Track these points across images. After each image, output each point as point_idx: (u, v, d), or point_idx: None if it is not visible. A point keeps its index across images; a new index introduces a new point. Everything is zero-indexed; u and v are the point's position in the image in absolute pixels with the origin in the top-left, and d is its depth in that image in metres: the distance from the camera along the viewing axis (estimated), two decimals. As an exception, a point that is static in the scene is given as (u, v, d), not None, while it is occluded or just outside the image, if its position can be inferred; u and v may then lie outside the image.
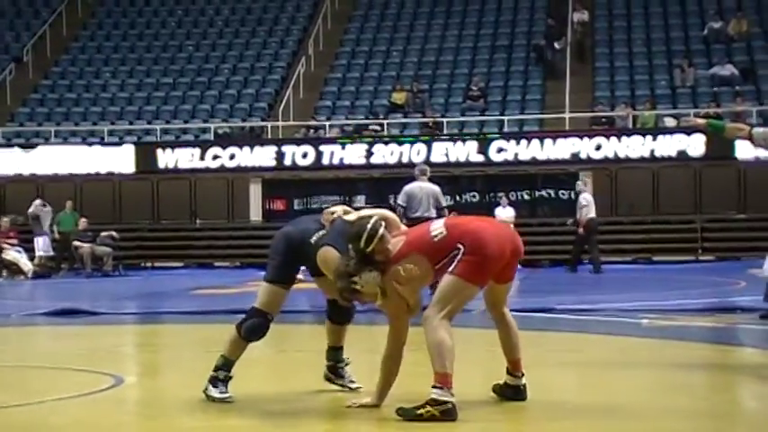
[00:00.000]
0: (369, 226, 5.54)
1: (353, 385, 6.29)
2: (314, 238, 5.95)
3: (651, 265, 20.74)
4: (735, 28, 26.24)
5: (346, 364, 6.36)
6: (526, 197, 23.48)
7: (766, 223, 20.28)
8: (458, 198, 24.09)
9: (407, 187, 14.49)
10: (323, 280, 6.01)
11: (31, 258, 21.33)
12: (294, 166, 23.92)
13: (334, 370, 6.33)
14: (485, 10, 28.98)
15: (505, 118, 24.62)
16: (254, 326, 6.00)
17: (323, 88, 26.94)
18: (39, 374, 7.63)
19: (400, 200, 14.50)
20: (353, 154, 23.73)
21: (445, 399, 5.25)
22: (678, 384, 6.46)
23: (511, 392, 5.79)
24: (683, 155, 22.44)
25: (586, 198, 19.47)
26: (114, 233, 22.04)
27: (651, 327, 9.51)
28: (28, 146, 24.54)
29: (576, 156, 22.88)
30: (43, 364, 8.09)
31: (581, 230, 19.27)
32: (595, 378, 6.96)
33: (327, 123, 25.29)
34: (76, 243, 21.55)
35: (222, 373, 6.00)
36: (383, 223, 5.60)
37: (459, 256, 5.42)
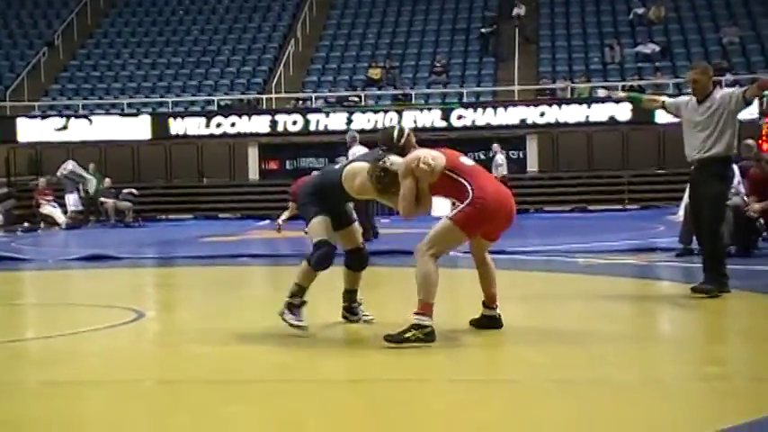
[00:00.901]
0: (398, 126, 5.63)
1: (367, 318, 6.17)
2: (337, 167, 5.87)
3: (586, 213, 20.83)
4: (654, 13, 26.17)
5: (360, 304, 6.22)
6: (482, 157, 23.39)
7: (681, 177, 20.24)
8: (424, 158, 24.08)
9: (353, 150, 13.85)
10: (344, 233, 5.91)
11: (65, 212, 21.20)
12: (286, 132, 23.81)
13: (350, 309, 6.19)
14: (446, -2, 28.84)
15: (464, 90, 24.54)
16: (321, 255, 5.75)
17: (310, 66, 26.74)
18: (72, 310, 7.61)
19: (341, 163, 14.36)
20: (336, 121, 23.61)
21: (426, 323, 5.22)
22: (607, 313, 6.52)
23: (487, 321, 5.73)
24: (612, 120, 22.47)
25: (501, 158, 19.95)
26: (134, 190, 21.93)
27: (585, 265, 9.55)
28: (62, 128, 24.13)
29: (523, 122, 22.87)
30: (76, 302, 8.08)
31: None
32: (539, 308, 7.00)
33: (314, 95, 25.14)
34: (102, 199, 21.44)
35: (297, 299, 5.81)
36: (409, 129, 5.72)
37: (462, 206, 5.33)
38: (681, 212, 10.88)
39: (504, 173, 19.97)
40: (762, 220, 10.13)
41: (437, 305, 5.33)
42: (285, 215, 17.19)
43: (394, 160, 5.44)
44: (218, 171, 24.04)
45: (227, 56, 27.59)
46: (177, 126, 24.07)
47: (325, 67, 26.68)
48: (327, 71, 26.51)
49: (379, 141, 5.67)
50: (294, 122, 23.74)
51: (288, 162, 24.14)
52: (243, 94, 25.95)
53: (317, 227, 5.78)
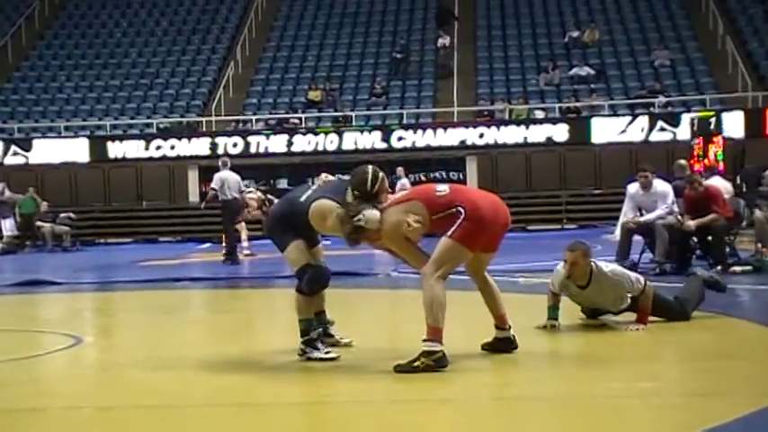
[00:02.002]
0: (371, 169, 5.32)
1: (344, 341, 5.98)
2: (302, 197, 5.59)
3: (525, 233, 21.05)
4: (589, 36, 26.67)
5: (332, 324, 6.04)
6: (423, 178, 23.58)
7: (617, 196, 20.62)
8: (365, 179, 24.13)
9: (220, 174, 14.83)
10: (312, 252, 5.71)
11: (0, 238, 20.78)
12: (226, 155, 23.55)
13: (325, 332, 5.93)
14: (385, 21, 29.03)
15: (404, 111, 24.69)
16: (311, 277, 5.55)
17: (249, 88, 26.67)
18: (8, 337, 7.46)
19: (214, 184, 14.81)
20: (276, 144, 23.58)
21: (436, 349, 5.05)
22: (546, 331, 6.57)
23: (502, 344, 5.53)
24: (550, 141, 22.79)
25: (406, 182, 20.18)
26: (72, 214, 21.58)
27: (526, 284, 9.65)
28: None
29: (463, 143, 23.07)
30: (12, 328, 7.91)
31: None
32: (480, 329, 7.04)
33: (254, 118, 25.07)
34: (39, 223, 21.07)
35: (314, 332, 5.55)
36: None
37: (458, 221, 5.16)
38: (618, 231, 11.06)
39: None
40: (696, 239, 10.34)
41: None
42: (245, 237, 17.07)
43: (370, 217, 5.18)
44: (158, 194, 23.79)
45: (165, 78, 27.40)
46: (116, 149, 23.80)
47: (266, 89, 26.64)
48: (267, 93, 26.48)
49: (352, 186, 5.36)
50: (234, 145, 23.63)
51: (228, 184, 23.95)
52: (182, 116, 25.77)
53: (295, 254, 5.59)
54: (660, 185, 10.43)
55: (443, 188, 5.36)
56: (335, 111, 25.17)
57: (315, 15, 29.63)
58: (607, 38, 26.76)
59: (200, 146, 23.72)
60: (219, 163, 15.34)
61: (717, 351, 5.73)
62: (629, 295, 6.36)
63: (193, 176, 23.90)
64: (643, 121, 22.39)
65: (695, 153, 18.46)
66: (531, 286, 9.48)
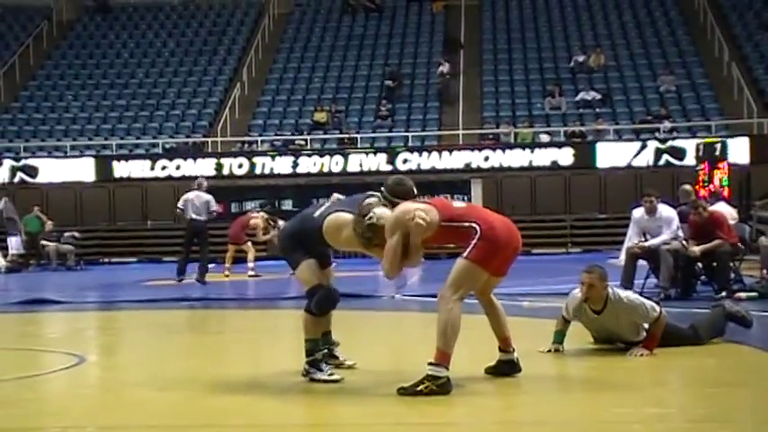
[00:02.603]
0: (408, 180, 5.61)
1: (348, 363, 5.95)
2: (315, 214, 5.58)
3: (530, 257, 21.02)
4: (595, 61, 26.75)
5: (337, 345, 6.00)
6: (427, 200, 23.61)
7: (622, 221, 20.63)
8: (370, 202, 24.15)
9: (186, 195, 15.07)
10: (323, 273, 5.62)
11: (5, 256, 20.80)
12: (231, 176, 23.74)
13: (330, 353, 5.90)
14: (391, 44, 29.16)
15: (410, 134, 24.76)
16: (321, 298, 5.51)
17: (255, 109, 26.77)
18: (13, 355, 7.47)
19: (180, 204, 14.94)
20: (282, 165, 23.64)
21: (441, 374, 5.01)
22: (551, 355, 6.57)
23: (506, 367, 5.52)
24: (555, 165, 22.81)
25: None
26: (76, 233, 21.61)
27: (530, 308, 9.64)
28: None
29: (468, 165, 23.10)
30: (16, 347, 7.92)
31: None
32: (485, 352, 7.03)
33: (259, 139, 25.16)
34: (44, 242, 21.10)
35: (319, 353, 5.52)
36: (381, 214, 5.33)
37: (473, 242, 5.14)
38: (622, 256, 11.06)
39: None
40: (701, 264, 10.34)
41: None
42: (229, 259, 17.22)
43: (380, 214, 5.21)
44: (163, 214, 23.80)
45: (172, 98, 27.51)
46: (121, 169, 23.87)
47: (271, 110, 26.74)
48: (273, 114, 26.57)
49: (398, 194, 5.41)
50: (240, 165, 23.70)
51: (233, 205, 24.01)
52: (188, 136, 25.86)
53: (307, 274, 5.54)
54: (665, 211, 10.44)
55: (460, 203, 5.46)
56: (341, 132, 25.25)
57: (321, 38, 29.80)
58: (613, 63, 26.85)
59: (205, 166, 23.77)
60: (195, 184, 15.43)
61: (721, 377, 5.72)
62: (645, 325, 6.29)
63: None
64: (649, 151, 22.36)
65: (700, 179, 18.45)
66: (534, 310, 9.47)
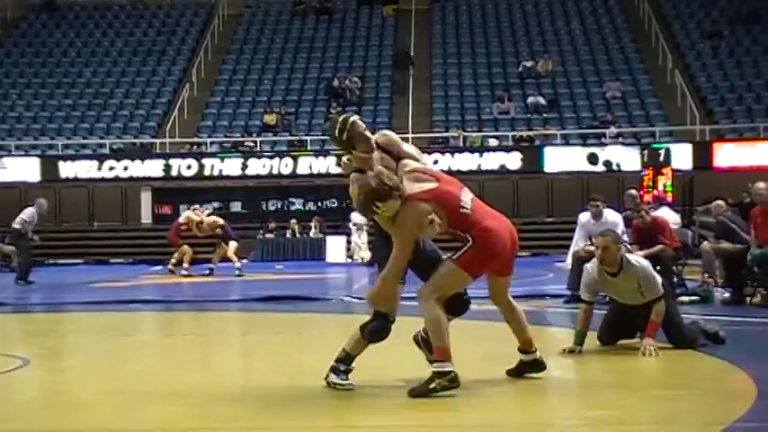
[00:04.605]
0: (339, 118, 5.26)
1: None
2: None
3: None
4: (543, 66, 27.03)
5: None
6: (376, 203, 23.64)
7: (569, 225, 20.83)
8: (319, 204, 24.17)
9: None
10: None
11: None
12: (180, 177, 23.56)
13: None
14: (341, 46, 29.15)
15: (359, 137, 24.72)
16: (376, 329, 5.32)
17: (204, 110, 26.58)
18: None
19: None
20: (231, 167, 23.51)
21: (447, 369, 5.01)
22: (500, 358, 6.60)
23: (529, 367, 5.47)
24: (503, 169, 22.99)
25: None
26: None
27: (478, 311, 9.67)
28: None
29: (417, 169, 23.14)
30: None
31: None
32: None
33: (209, 140, 24.99)
34: (-13, 243, 20.73)
35: (343, 365, 5.34)
36: (356, 117, 5.29)
37: (465, 248, 5.10)
38: (569, 260, 11.16)
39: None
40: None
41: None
42: (174, 260, 17.07)
43: (390, 207, 5.00)
44: (110, 215, 23.55)
45: (120, 98, 27.20)
46: (67, 169, 23.55)
47: (221, 111, 26.58)
48: (222, 116, 26.41)
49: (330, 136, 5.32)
50: (188, 167, 23.52)
51: (181, 207, 23.80)
52: (136, 137, 25.59)
53: (388, 293, 5.25)
54: (611, 215, 10.58)
55: (468, 203, 5.18)
56: (291, 135, 25.17)
57: (271, 39, 29.70)
58: (560, 68, 27.15)
59: (153, 167, 23.55)
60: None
61: (665, 380, 5.80)
62: (649, 298, 6.49)
63: (146, 198, 23.71)
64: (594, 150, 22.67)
65: (645, 184, 18.75)
66: (483, 312, 9.52)
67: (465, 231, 5.13)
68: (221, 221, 17.34)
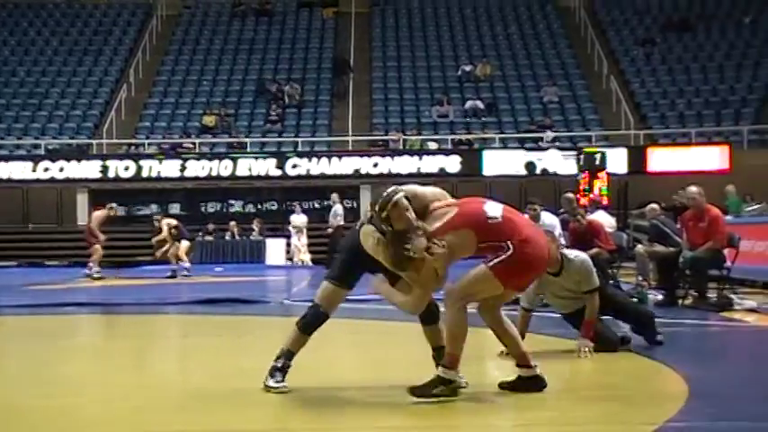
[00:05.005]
0: (385, 194, 4.92)
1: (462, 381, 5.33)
2: (357, 226, 5.31)
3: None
4: (481, 70, 27.27)
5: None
6: (317, 206, 23.63)
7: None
8: (259, 206, 24.09)
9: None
10: (402, 284, 5.17)
11: None
12: (117, 178, 23.24)
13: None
14: (281, 49, 29.05)
15: (299, 139, 24.72)
16: (311, 320, 5.31)
17: (142, 111, 26.28)
18: None
19: None
20: (169, 168, 23.25)
21: (453, 378, 4.93)
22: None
23: (526, 383, 5.10)
24: (442, 171, 23.12)
25: (339, 208, 20.29)
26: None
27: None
28: None
29: (357, 171, 23.22)
30: None
31: (329, 230, 20.18)
32: (369, 355, 7.08)
33: (146, 141, 24.71)
34: None
35: (282, 360, 5.28)
36: (402, 193, 4.92)
37: (503, 256, 4.85)
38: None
39: (341, 223, 20.14)
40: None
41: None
42: (92, 263, 16.87)
43: (417, 246, 4.83)
44: (45, 217, 23.13)
45: (55, 99, 26.74)
46: (1, 170, 23.06)
47: (159, 112, 26.29)
48: (161, 117, 26.12)
49: (371, 202, 5.06)
50: (126, 168, 23.20)
51: (119, 209, 23.49)
52: (72, 138, 25.18)
53: (326, 291, 5.30)
54: (548, 218, 10.70)
55: (495, 212, 4.96)
56: (230, 136, 25.01)
57: (211, 41, 29.49)
58: (499, 73, 27.43)
59: (90, 169, 23.20)
60: None
61: (598, 381, 5.89)
62: (585, 288, 6.56)
63: (82, 200, 23.35)
64: (532, 154, 22.94)
65: (581, 187, 19.02)
66: (407, 315, 9.54)
67: (503, 241, 4.88)
68: (175, 222, 17.37)
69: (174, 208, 23.06)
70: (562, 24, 29.55)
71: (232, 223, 23.01)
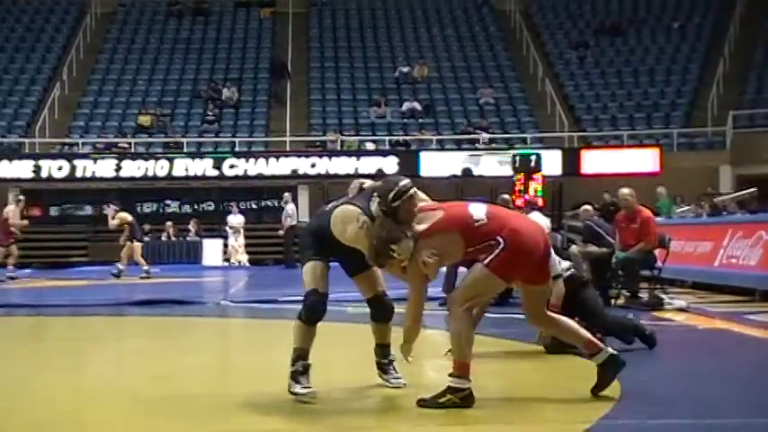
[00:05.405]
0: (401, 183, 4.83)
1: (396, 382, 5.41)
2: (327, 208, 5.18)
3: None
4: (418, 72, 27.40)
5: (391, 362, 5.45)
6: (254, 206, 23.51)
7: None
8: (196, 207, 23.87)
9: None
10: (361, 278, 5.23)
11: None
12: (50, 178, 22.79)
13: (380, 366, 5.48)
14: (218, 48, 28.80)
15: (237, 140, 24.55)
16: (309, 307, 5.08)
17: (76, 110, 25.83)
18: None
19: None
20: (104, 168, 22.89)
21: (463, 386, 4.78)
22: (363, 361, 6.65)
23: (609, 368, 5.03)
24: (380, 172, 23.03)
25: (291, 208, 20.13)
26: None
27: (355, 313, 9.73)
28: None
29: (295, 172, 23.14)
30: None
31: (281, 233, 20.26)
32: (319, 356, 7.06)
33: (80, 141, 24.29)
34: None
35: (300, 363, 5.07)
36: (413, 186, 4.88)
37: (496, 251, 4.77)
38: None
39: (294, 223, 20.07)
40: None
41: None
42: (10, 264, 16.53)
43: (404, 248, 4.77)
44: (-25, 217, 22.56)
45: (-14, 96, 26.14)
46: (-71, 169, 22.47)
47: (93, 112, 25.87)
48: (95, 116, 25.71)
49: (378, 192, 4.92)
50: (59, 168, 22.77)
51: (52, 209, 23.10)
52: (4, 137, 24.64)
53: (307, 274, 5.12)
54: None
55: (481, 215, 4.89)
56: (166, 136, 24.73)
57: (146, 39, 29.11)
58: (436, 74, 27.58)
59: (22, 168, 22.72)
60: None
61: (533, 381, 5.97)
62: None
63: (14, 200, 22.82)
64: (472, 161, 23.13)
65: (517, 189, 19.24)
66: (360, 315, 9.58)
67: (492, 238, 4.81)
68: (130, 218, 17.10)
69: (107, 210, 22.69)
70: (498, 27, 29.84)
71: (168, 224, 22.76)
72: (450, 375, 4.83)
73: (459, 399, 4.77)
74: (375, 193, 4.96)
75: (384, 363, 5.47)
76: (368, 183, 5.31)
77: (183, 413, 4.93)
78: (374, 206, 4.93)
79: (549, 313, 5.17)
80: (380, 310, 5.37)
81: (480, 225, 4.84)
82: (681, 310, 9.84)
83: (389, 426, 4.73)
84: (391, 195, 4.80)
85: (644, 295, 10.37)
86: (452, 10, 30.62)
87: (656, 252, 10.40)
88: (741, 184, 21.43)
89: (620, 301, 10.32)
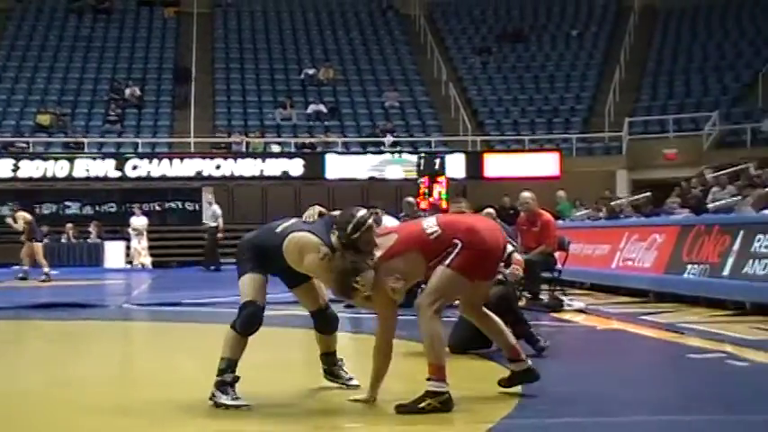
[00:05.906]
0: (359, 214, 4.79)
1: (352, 383, 5.41)
2: (278, 228, 5.04)
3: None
4: (324, 74, 27.40)
5: (340, 366, 5.46)
6: (158, 208, 23.13)
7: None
8: (97, 208, 23.35)
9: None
10: (301, 290, 5.16)
11: None
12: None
13: (332, 372, 5.45)
14: (120, 47, 28.22)
15: (140, 140, 24.10)
16: (246, 317, 4.97)
17: (-29, 108, 24.96)
18: None
19: None
20: (1, 168, 22.19)
21: (442, 389, 4.72)
22: (288, 363, 6.65)
23: (522, 376, 5.10)
24: (286, 175, 23.09)
25: (217, 210, 19.96)
26: None
27: (274, 316, 9.64)
28: None
29: (199, 173, 22.85)
30: None
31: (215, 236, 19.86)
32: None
33: (-24, 140, 23.50)
34: None
35: (228, 375, 4.94)
36: (372, 216, 4.84)
37: (456, 250, 4.73)
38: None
39: (221, 225, 19.74)
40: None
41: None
42: None
43: (367, 281, 4.73)
44: None
45: None
46: None
47: (-11, 110, 25.05)
48: (-9, 115, 24.90)
49: (336, 223, 4.88)
50: (-47, 168, 21.98)
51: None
52: None
53: (246, 285, 5.02)
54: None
55: (432, 225, 4.88)
56: (66, 136, 24.11)
57: (45, 36, 28.34)
58: (341, 77, 27.62)
59: None
60: None
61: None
62: None
63: None
64: (374, 159, 23.24)
65: (422, 191, 19.42)
66: (279, 318, 9.52)
67: (449, 245, 4.78)
68: (29, 218, 16.63)
69: (5, 210, 21.98)
70: (403, 31, 30.06)
71: (68, 225, 22.20)
72: (427, 379, 4.77)
73: (438, 403, 4.72)
74: (334, 226, 4.93)
75: (334, 368, 5.47)
76: (323, 210, 5.24)
77: (78, 422, 4.81)
78: (333, 238, 4.89)
79: (483, 309, 5.18)
80: (325, 323, 5.34)
81: (436, 236, 4.83)
82: (580, 311, 10.08)
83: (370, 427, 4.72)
84: (350, 228, 4.77)
85: (545, 297, 10.57)
86: (358, 13, 30.73)
87: (557, 254, 10.63)
88: (636, 189, 22.10)
89: (522, 303, 10.50)
